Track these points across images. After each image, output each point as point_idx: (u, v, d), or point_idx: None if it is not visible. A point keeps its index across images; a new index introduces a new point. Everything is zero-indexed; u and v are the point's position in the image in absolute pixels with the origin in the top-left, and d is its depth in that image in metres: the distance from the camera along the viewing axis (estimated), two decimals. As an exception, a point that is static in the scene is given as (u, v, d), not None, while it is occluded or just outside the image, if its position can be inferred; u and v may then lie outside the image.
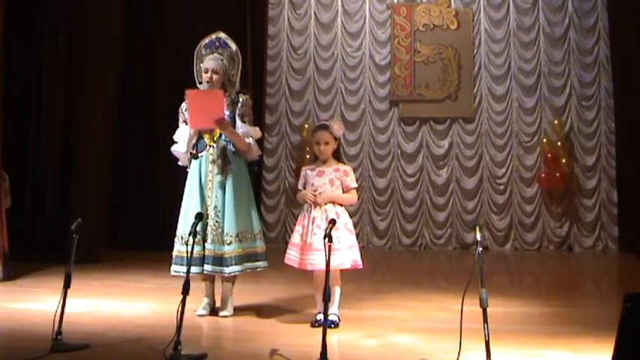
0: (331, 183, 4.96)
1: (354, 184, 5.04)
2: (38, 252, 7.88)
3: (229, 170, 5.17)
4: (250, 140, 5.25)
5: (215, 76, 5.30)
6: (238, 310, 5.55)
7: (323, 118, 10.75)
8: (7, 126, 8.05)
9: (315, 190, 4.91)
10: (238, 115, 5.23)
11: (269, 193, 11.37)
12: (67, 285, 4.14)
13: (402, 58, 11.06)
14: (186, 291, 4.03)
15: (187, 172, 5.33)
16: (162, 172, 8.68)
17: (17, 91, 8.73)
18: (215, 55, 5.40)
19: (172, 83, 9.91)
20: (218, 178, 5.15)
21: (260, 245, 5.31)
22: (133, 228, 9.57)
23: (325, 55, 11.36)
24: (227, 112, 5.20)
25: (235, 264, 5.16)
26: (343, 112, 11.25)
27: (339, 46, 11.29)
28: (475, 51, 10.95)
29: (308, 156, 10.72)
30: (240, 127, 5.20)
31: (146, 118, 9.83)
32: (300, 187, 5.09)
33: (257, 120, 11.00)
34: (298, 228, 5.01)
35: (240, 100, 5.30)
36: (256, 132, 5.35)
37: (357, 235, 5.54)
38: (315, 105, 11.37)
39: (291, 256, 4.99)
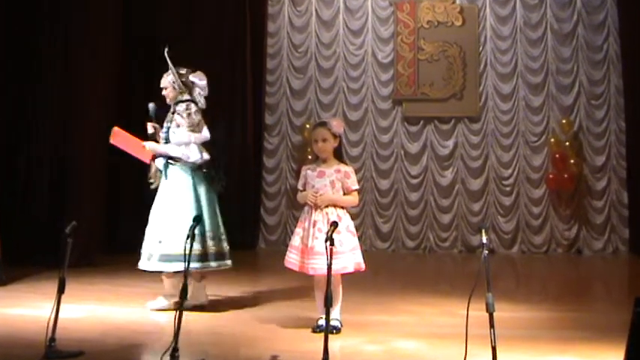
0: (332, 185, 4.95)
1: (356, 186, 5.03)
2: (32, 256, 7.81)
3: (170, 181, 5.72)
4: (181, 149, 5.68)
5: (165, 92, 5.94)
6: (237, 315, 5.55)
7: (324, 118, 10.71)
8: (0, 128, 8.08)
9: (315, 192, 4.90)
10: (176, 125, 5.75)
11: (269, 194, 11.38)
12: (60, 290, 4.13)
13: (406, 55, 11.05)
14: (184, 296, 4.02)
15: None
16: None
17: (13, 93, 8.72)
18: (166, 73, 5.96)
19: None
20: (161, 189, 5.80)
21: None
22: (129, 231, 9.42)
23: (327, 53, 11.35)
24: (167, 124, 5.80)
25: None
26: (345, 112, 11.25)
27: (340, 44, 11.29)
28: (481, 48, 10.94)
29: (310, 157, 10.62)
30: (171, 138, 5.73)
31: (143, 121, 9.78)
32: (299, 187, 5.09)
33: (257, 120, 11.16)
34: (299, 230, 5.00)
35: (176, 109, 5.82)
36: (189, 137, 5.71)
37: (360, 238, 5.55)
38: (317, 104, 11.37)
39: (292, 259, 4.98)
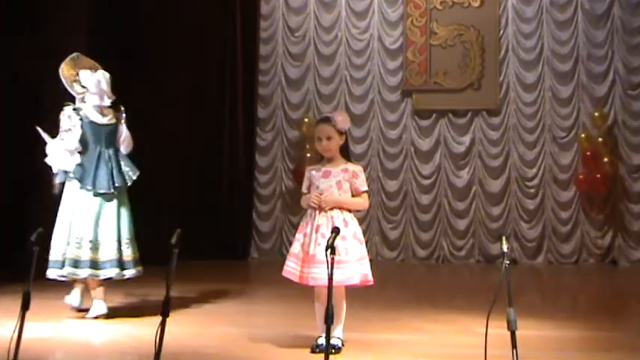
0: (338, 185, 4.97)
1: (365, 187, 5.05)
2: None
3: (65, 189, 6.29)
4: (49, 158, 6.18)
5: None
6: (227, 333, 5.56)
7: (325, 111, 10.78)
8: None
9: (320, 194, 4.93)
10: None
11: (262, 197, 11.39)
12: (25, 306, 4.10)
13: (416, 41, 11.06)
14: (166, 313, 4.00)
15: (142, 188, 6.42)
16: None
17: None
18: None
19: (154, 79, 10.14)
20: None
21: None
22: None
23: (327, 38, 11.37)
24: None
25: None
26: (348, 104, 11.25)
27: (343, 28, 11.31)
28: (501, 32, 10.96)
29: (308, 154, 10.76)
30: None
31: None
32: (304, 189, 5.12)
33: (248, 113, 11.15)
34: (299, 236, 5.01)
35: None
36: (53, 144, 6.16)
37: (366, 245, 5.51)
38: (316, 95, 11.37)
39: (290, 268, 4.98)
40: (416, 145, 11.14)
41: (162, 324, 3.94)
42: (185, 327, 5.70)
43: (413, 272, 10.15)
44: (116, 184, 6.11)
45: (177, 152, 10.32)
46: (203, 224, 10.07)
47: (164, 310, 3.99)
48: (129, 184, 6.25)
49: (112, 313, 6.17)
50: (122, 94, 8.81)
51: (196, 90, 10.79)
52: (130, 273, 6.11)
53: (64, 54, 6.41)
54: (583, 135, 10.58)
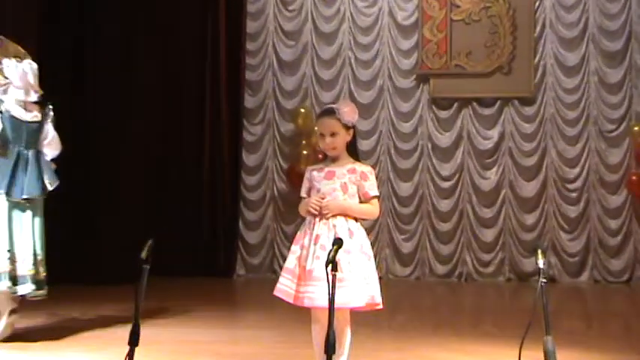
0: (344, 188, 4.90)
1: (376, 192, 4.97)
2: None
3: None
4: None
5: None
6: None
7: (325, 100, 10.86)
8: None
9: (321, 198, 4.88)
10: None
11: (250, 203, 11.41)
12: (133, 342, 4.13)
13: (435, 15, 11.08)
14: (134, 342, 3.98)
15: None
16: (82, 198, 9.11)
17: None
18: None
19: (120, 66, 10.17)
20: None
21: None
22: (62, 256, 9.47)
23: (328, 13, 11.41)
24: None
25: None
26: (353, 92, 11.28)
27: (346, 0, 11.33)
28: (537, 4, 11.01)
29: (305, 152, 10.81)
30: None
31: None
32: (303, 193, 5.06)
33: (233, 102, 11.13)
34: (295, 249, 4.93)
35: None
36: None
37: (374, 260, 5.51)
38: (314, 81, 11.40)
39: (284, 286, 4.89)
40: (434, 141, 11.15)
41: (130, 356, 3.92)
42: (157, 359, 5.63)
43: (430, 293, 10.16)
44: (30, 194, 6.11)
45: (148, 151, 10.46)
46: (179, 235, 10.17)
47: (132, 338, 3.97)
48: (43, 196, 6.24)
49: (68, 342, 6.15)
50: (74, 89, 8.85)
51: (171, 77, 10.90)
52: (34, 292, 6.12)
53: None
54: (636, 128, 10.61)
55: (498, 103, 11.03)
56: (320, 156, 9.61)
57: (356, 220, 4.91)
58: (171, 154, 10.78)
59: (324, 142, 4.92)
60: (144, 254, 4.06)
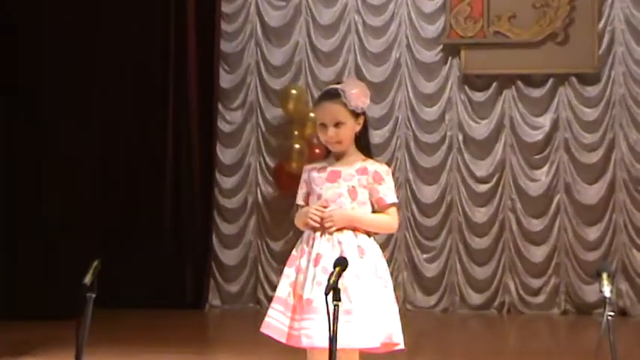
0: (352, 194, 4.93)
1: (393, 198, 5.00)
2: None
3: None
4: None
5: None
6: None
7: (325, 79, 10.91)
8: None
9: (323, 206, 4.89)
10: None
11: (226, 212, 11.48)
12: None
13: (467, -34, 10.99)
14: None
15: None
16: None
17: None
18: None
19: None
20: None
21: None
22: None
23: (327, -37, 11.34)
24: None
25: None
26: (360, 67, 11.28)
27: (352, -54, 11.34)
28: (601, -50, 11.04)
29: (297, 145, 10.72)
30: None
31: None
32: (300, 200, 5.09)
33: (206, 80, 11.22)
34: (289, 272, 4.94)
35: None
36: None
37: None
38: (310, 53, 11.41)
39: (275, 321, 4.88)
40: (466, 131, 11.14)
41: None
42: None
43: (462, 329, 10.28)
44: None
45: (97, 146, 10.55)
46: (137, 255, 10.33)
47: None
48: None
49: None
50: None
51: (125, 47, 10.91)
52: None
53: None
54: None
55: (551, 81, 11.00)
56: (317, 151, 9.95)
57: (368, 234, 4.94)
58: (123, 151, 10.89)
59: (326, 135, 4.92)
60: (88, 279, 4.12)
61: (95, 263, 4.18)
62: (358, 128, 4.92)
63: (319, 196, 4.92)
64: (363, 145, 5.00)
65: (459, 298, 10.95)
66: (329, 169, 4.95)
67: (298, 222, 5.02)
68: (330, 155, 5.02)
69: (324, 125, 4.90)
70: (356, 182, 4.91)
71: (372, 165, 4.95)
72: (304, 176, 5.04)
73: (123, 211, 10.66)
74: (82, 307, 4.10)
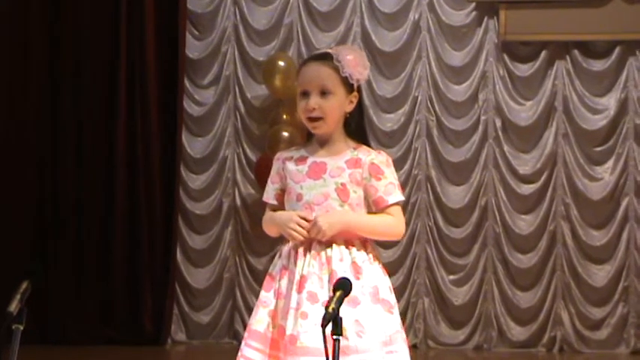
0: (342, 194, 4.93)
1: (398, 196, 4.95)
2: None
3: None
4: None
5: None
6: None
7: (320, 46, 10.95)
8: None
9: (305, 219, 4.88)
10: None
11: (195, 220, 11.59)
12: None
13: None
14: None
15: None
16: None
17: None
18: None
19: None
20: None
21: None
22: None
23: None
24: None
25: None
26: (368, 31, 11.39)
27: None
28: None
29: (285, 133, 10.84)
30: None
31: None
32: (270, 199, 5.09)
33: (168, 49, 11.34)
34: (267, 297, 4.96)
35: None
36: None
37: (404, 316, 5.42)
38: (303, 14, 11.50)
39: None
40: (506, 115, 11.17)
41: None
42: None
43: None
44: None
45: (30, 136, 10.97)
46: (81, 279, 10.74)
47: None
48: None
49: None
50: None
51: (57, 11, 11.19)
52: None
53: None
54: None
55: (617, 50, 10.97)
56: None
57: (365, 247, 5.00)
58: (61, 144, 11.23)
59: (306, 105, 4.89)
60: (13, 307, 4.14)
61: (24, 286, 4.19)
62: (350, 108, 4.91)
63: (299, 197, 4.92)
64: (355, 129, 5.00)
65: (496, 332, 11.00)
66: (310, 159, 4.95)
67: (268, 228, 5.03)
68: (311, 140, 5.02)
69: (305, 93, 4.88)
70: (346, 178, 4.90)
71: (366, 154, 4.90)
72: (277, 167, 5.02)
73: (64, 226, 10.93)
74: (6, 341, 4.11)
